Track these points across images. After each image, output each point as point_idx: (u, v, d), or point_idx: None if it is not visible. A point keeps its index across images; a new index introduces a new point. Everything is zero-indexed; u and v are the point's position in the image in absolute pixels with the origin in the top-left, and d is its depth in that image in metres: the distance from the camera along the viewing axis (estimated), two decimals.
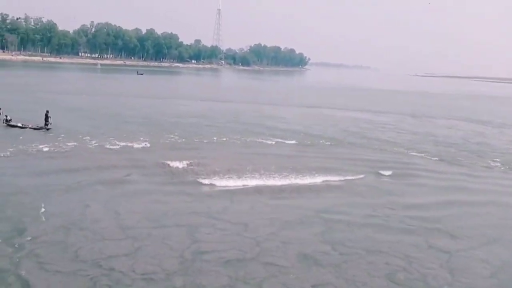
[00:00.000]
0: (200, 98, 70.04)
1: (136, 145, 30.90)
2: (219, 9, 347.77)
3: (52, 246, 14.53)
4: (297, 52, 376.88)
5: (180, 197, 20.86)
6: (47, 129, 34.06)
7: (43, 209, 17.62)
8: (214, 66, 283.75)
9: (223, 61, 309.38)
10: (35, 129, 34.00)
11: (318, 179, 24.96)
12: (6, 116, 35.31)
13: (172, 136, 35.22)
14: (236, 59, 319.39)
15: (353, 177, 25.89)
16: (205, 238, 16.33)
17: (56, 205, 18.51)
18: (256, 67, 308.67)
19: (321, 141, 37.59)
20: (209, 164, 26.59)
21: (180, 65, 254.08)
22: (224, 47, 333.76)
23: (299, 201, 21.40)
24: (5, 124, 34.61)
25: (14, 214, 16.95)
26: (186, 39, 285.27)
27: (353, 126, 48.35)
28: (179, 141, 33.86)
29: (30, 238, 14.96)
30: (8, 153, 26.40)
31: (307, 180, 24.66)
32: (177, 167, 25.50)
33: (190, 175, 24.32)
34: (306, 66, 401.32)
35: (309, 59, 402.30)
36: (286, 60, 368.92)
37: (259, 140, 36.19)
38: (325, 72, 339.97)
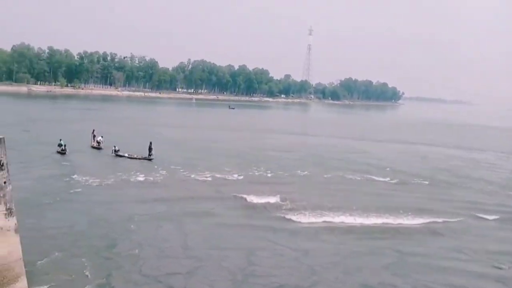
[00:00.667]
0: (287, 132, 70.55)
1: (224, 177, 31.71)
2: (309, 45, 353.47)
3: (133, 262, 16.21)
4: (389, 86, 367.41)
5: (263, 233, 20.69)
6: (150, 160, 36.51)
7: (132, 233, 19.33)
8: (303, 100, 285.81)
9: (312, 95, 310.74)
10: (139, 159, 36.69)
11: (412, 221, 23.50)
12: (115, 146, 38.56)
13: (259, 169, 35.64)
14: (326, 93, 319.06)
15: (450, 220, 24.02)
16: (288, 280, 15.87)
17: (144, 231, 19.72)
18: (346, 101, 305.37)
19: (413, 179, 35.64)
20: (295, 200, 26.29)
21: (270, 99, 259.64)
22: (313, 81, 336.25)
23: (393, 244, 20.16)
24: (114, 154, 37.83)
25: (108, 234, 19.17)
26: (276, 74, 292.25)
27: (448, 163, 45.46)
28: (265, 174, 34.12)
29: (116, 252, 17.25)
30: (112, 181, 28.59)
31: (400, 221, 23.32)
32: (263, 201, 25.56)
33: (275, 210, 24.20)
34: (400, 101, 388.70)
35: (402, 93, 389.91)
36: (378, 94, 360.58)
37: (348, 176, 35.23)
38: (419, 107, 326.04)
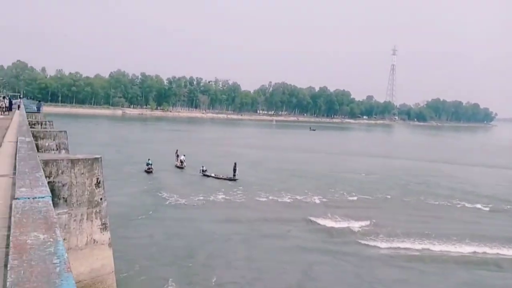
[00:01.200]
0: (369, 154, 68.51)
1: (303, 199, 31.50)
2: (393, 65, 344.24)
3: (208, 272, 17.12)
4: (481, 107, 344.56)
5: (340, 259, 20.07)
6: (235, 180, 37.48)
7: (210, 248, 20.26)
8: (387, 122, 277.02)
9: (396, 117, 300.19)
10: (224, 179, 37.82)
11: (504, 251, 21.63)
12: (203, 166, 40.16)
13: (338, 192, 34.93)
14: (411, 115, 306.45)
15: None
16: None
17: (220, 247, 20.38)
18: (434, 123, 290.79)
19: (506, 206, 32.79)
20: (374, 224, 25.34)
21: (352, 121, 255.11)
22: (397, 102, 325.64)
23: (489, 276, 18.67)
24: (202, 174, 39.40)
25: (189, 247, 20.50)
26: (358, 95, 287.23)
27: None
28: (344, 197, 33.33)
29: (194, 262, 18.62)
30: (195, 199, 29.74)
31: (500, 251, 21.53)
32: (339, 225, 24.98)
33: (351, 235, 23.53)
34: (492, 122, 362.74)
35: (495, 114, 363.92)
36: (469, 116, 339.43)
37: (432, 201, 33.30)
38: None
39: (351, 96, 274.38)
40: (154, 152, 48.62)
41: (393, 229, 24.46)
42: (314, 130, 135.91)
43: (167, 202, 28.57)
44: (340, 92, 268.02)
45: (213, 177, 38.36)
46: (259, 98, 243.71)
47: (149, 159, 40.66)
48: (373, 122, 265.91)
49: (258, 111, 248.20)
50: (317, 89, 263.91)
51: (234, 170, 38.17)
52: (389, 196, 34.36)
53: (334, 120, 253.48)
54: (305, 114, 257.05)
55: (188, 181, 37.51)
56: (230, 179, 37.64)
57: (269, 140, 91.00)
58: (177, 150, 46.17)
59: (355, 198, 33.35)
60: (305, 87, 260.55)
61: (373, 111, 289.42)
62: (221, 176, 38.38)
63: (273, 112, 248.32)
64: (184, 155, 43.85)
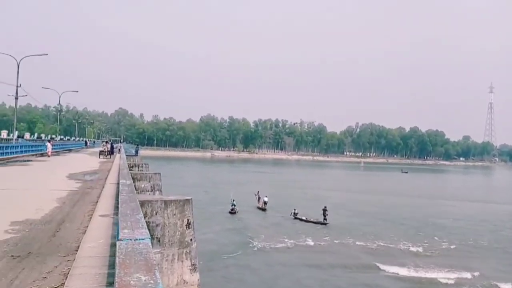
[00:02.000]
0: (469, 198, 63.51)
1: (390, 246, 29.86)
2: (490, 103, 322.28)
3: None
4: None
5: None
6: (325, 224, 36.84)
7: None
8: (486, 163, 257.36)
9: (497, 158, 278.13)
10: (315, 223, 37.29)
11: None
12: (295, 209, 39.91)
13: (431, 239, 32.56)
14: None
15: None
16: None
17: None
18: None
19: None
20: (478, 277, 23.03)
21: (447, 162, 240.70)
22: (497, 142, 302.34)
23: None
24: (293, 217, 39.17)
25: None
26: (453, 136, 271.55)
27: None
28: (437, 245, 30.86)
29: None
30: (290, 244, 29.50)
31: None
32: (429, 275, 23.11)
33: None
34: None
35: None
36: None
37: None
38: None
39: (445, 137, 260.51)
40: (239, 193, 49.45)
41: (494, 281, 22.07)
42: (406, 172, 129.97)
43: (254, 244, 28.61)
44: (433, 132, 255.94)
45: (304, 220, 37.99)
46: (345, 139, 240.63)
47: (233, 200, 41.46)
48: (471, 164, 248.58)
49: (345, 153, 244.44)
50: (407, 129, 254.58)
51: (324, 214, 37.54)
52: (491, 245, 31.30)
53: (428, 162, 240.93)
54: (395, 156, 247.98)
55: (272, 222, 37.49)
56: (320, 223, 37.05)
57: (358, 183, 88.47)
58: (258, 192, 46.65)
59: (450, 246, 30.82)
60: (394, 128, 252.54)
61: (471, 152, 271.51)
62: (311, 220, 37.90)
63: (360, 153, 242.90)
64: (266, 196, 44.04)
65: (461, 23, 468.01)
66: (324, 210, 37.59)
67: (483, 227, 39.19)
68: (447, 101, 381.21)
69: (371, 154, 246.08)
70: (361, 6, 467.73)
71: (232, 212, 40.23)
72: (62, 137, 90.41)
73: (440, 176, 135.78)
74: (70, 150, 49.74)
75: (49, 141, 38.58)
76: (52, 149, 34.01)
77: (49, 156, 31.75)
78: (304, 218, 38.40)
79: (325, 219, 37.31)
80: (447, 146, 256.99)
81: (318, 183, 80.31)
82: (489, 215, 46.59)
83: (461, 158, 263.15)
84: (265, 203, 43.47)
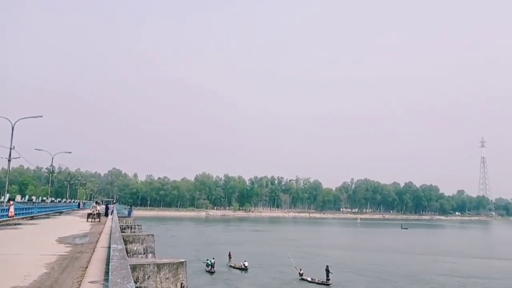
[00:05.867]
0: (468, 254, 62.41)
1: None
2: (483, 157, 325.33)
3: None
4: None
5: None
6: (328, 285, 35.97)
7: None
8: (482, 218, 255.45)
9: (493, 212, 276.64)
10: (319, 284, 36.37)
11: None
12: (300, 269, 39.17)
13: None
14: (510, 210, 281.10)
15: None
16: None
17: None
18: None
19: None
20: None
21: (443, 217, 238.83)
22: (492, 196, 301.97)
23: None
24: (300, 278, 38.23)
25: None
26: (447, 190, 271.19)
27: None
28: None
29: None
30: None
31: None
32: None
33: None
34: None
35: None
36: None
37: None
38: None
39: (440, 191, 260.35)
40: (233, 253, 48.22)
41: None
42: (406, 228, 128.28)
43: None
44: (427, 187, 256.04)
45: (308, 281, 37.08)
46: (341, 195, 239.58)
47: (207, 259, 41.62)
48: (467, 218, 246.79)
49: (341, 209, 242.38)
50: (402, 184, 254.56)
51: (327, 273, 36.68)
52: None
53: (423, 217, 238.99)
54: (391, 211, 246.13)
55: (279, 283, 36.48)
56: (323, 283, 36.21)
57: (356, 240, 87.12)
58: (229, 252, 46.66)
59: None
60: (389, 183, 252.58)
61: (466, 206, 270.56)
62: (316, 280, 37.03)
63: (357, 209, 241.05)
64: (245, 261, 43.24)
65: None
66: (327, 270, 36.72)
67: (485, 283, 38.21)
68: (439, 156, 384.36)
69: (367, 210, 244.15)
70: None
71: (210, 271, 40.08)
72: (53, 199, 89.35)
73: (438, 232, 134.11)
74: (61, 213, 48.92)
75: (9, 201, 33.75)
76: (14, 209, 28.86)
77: (11, 217, 27.51)
78: (309, 278, 37.47)
79: (328, 279, 36.39)
80: (442, 201, 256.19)
81: (316, 241, 78.91)
82: (490, 272, 45.60)
83: (457, 213, 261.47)
84: (245, 266, 42.44)
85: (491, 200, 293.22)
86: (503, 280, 40.59)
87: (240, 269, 42.13)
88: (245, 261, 43.20)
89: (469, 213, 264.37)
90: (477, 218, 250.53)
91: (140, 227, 27.09)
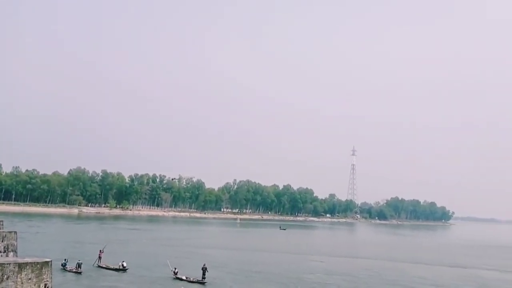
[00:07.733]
0: (335, 254, 67.81)
1: None
2: (353, 165, 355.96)
3: None
4: (438, 205, 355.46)
5: None
6: (203, 284, 35.72)
7: None
8: (349, 220, 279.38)
9: (358, 215, 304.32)
10: (194, 282, 35.95)
11: None
12: (175, 268, 38.21)
13: None
14: (372, 213, 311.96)
15: None
16: None
17: None
18: (394, 221, 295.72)
19: None
20: None
21: (315, 219, 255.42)
22: (358, 201, 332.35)
23: None
24: (174, 276, 37.37)
25: None
26: (321, 194, 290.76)
27: None
28: None
29: None
30: None
31: None
32: None
33: None
34: (450, 221, 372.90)
35: (453, 213, 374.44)
36: (427, 214, 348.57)
37: None
38: (471, 227, 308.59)
39: (314, 195, 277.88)
40: (109, 253, 45.83)
41: None
42: (284, 229, 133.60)
43: None
44: (303, 190, 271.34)
45: (184, 280, 36.40)
46: (223, 196, 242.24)
47: (65, 259, 39.07)
48: (336, 220, 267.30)
49: (222, 209, 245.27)
50: (281, 187, 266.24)
51: (203, 272, 36.42)
52: None
53: (298, 218, 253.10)
54: (269, 212, 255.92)
55: (151, 282, 35.28)
56: (198, 282, 35.89)
57: (235, 240, 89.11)
58: (100, 250, 43.18)
59: None
60: (269, 185, 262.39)
61: (336, 209, 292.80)
62: (191, 279, 36.56)
63: (237, 210, 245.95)
64: (123, 261, 40.81)
65: None
66: (204, 268, 36.62)
67: (348, 281, 41.67)
68: (316, 163, 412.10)
69: (247, 211, 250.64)
70: None
71: (77, 271, 37.32)
72: None
73: (311, 232, 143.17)
74: None
75: None
76: None
77: None
78: (184, 277, 36.86)
79: (204, 277, 36.18)
80: (315, 203, 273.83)
81: (195, 240, 78.82)
82: (353, 270, 49.89)
83: (328, 215, 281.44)
84: (123, 266, 40.14)
85: (357, 204, 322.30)
86: (362, 277, 44.73)
87: (118, 270, 39.82)
88: (123, 261, 41.00)
89: (338, 215, 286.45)
90: (344, 220, 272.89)
91: (1, 223, 24.31)
